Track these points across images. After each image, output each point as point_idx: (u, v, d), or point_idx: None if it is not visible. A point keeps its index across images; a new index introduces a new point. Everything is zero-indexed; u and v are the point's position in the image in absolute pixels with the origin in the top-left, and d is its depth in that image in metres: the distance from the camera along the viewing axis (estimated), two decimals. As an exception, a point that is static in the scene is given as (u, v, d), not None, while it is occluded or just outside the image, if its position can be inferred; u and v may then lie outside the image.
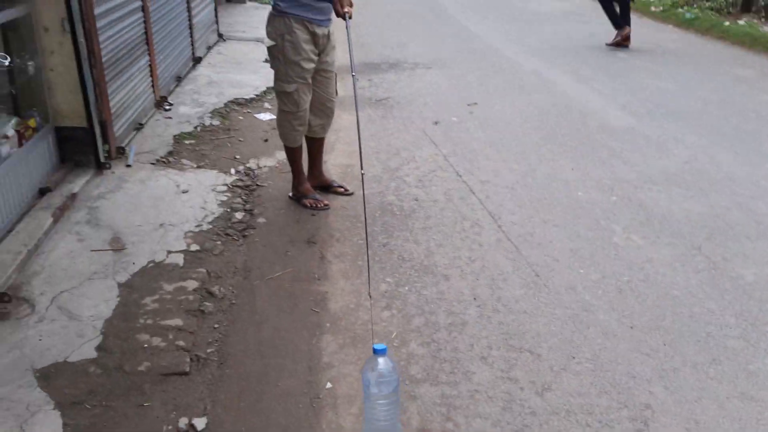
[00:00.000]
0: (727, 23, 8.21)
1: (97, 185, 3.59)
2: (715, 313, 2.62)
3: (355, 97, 2.72)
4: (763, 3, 8.57)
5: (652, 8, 9.53)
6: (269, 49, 3.20)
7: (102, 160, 3.72)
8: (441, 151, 4.29)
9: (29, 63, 3.38)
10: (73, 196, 3.39)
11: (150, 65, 4.68)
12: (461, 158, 4.17)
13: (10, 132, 3.13)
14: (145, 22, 4.55)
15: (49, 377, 2.21)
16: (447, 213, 3.44)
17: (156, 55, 4.80)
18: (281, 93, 3.26)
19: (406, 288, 2.79)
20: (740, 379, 2.26)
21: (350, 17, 3.01)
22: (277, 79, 3.24)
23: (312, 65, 3.19)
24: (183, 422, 2.07)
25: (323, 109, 3.43)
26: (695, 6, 9.21)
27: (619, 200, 3.59)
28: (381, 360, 1.88)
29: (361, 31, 8.14)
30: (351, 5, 3.07)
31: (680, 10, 9.11)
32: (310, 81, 3.24)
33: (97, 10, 3.67)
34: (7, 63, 3.18)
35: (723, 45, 7.59)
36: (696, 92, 5.65)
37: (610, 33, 7.48)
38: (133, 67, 4.33)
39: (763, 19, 8.39)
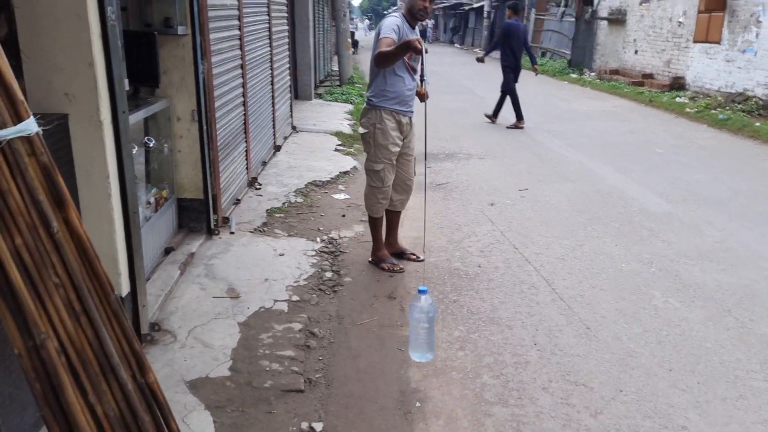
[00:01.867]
0: (758, 124, 8.82)
1: (209, 247, 4.27)
2: (742, 361, 3.07)
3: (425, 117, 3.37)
4: (792, 106, 9.20)
5: (687, 109, 10.24)
6: (363, 135, 3.93)
7: (212, 227, 4.43)
8: (498, 227, 4.89)
9: (165, 145, 4.17)
10: (191, 255, 4.07)
11: (246, 150, 5.49)
12: (516, 234, 4.76)
13: (151, 199, 3.86)
14: (244, 114, 5.40)
15: (196, 387, 2.79)
16: (507, 277, 4.00)
17: (251, 142, 5.62)
18: (370, 171, 3.95)
19: (476, 335, 3.32)
20: (764, 410, 2.69)
21: (427, 98, 3.70)
22: (367, 159, 3.95)
23: (397, 149, 3.89)
24: (304, 425, 2.60)
25: (403, 186, 4.10)
26: (728, 108, 9.88)
27: (657, 271, 4.10)
28: (423, 297, 2.75)
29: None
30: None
31: (713, 111, 9.78)
32: (394, 162, 3.93)
33: (216, 104, 4.50)
34: (151, 145, 3.97)
35: (753, 143, 8.17)
36: (726, 183, 6.19)
37: (648, 131, 8.14)
38: (235, 152, 5.13)
39: (792, 120, 8.97)
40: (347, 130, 8.74)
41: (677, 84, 12.09)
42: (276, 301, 3.61)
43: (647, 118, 9.96)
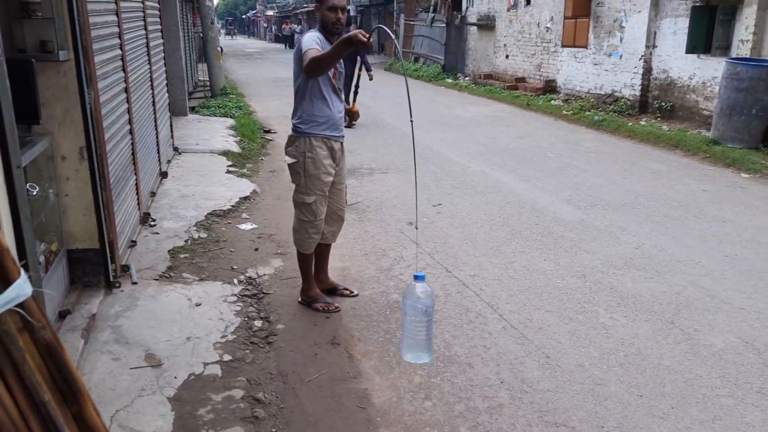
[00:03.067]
0: (630, 123, 9.37)
1: (112, 304, 3.69)
2: (703, 377, 3.06)
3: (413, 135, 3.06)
4: (657, 105, 9.87)
5: (564, 111, 10.71)
6: (290, 165, 3.55)
7: (111, 279, 3.84)
8: (424, 249, 4.69)
9: (50, 191, 3.54)
10: (93, 317, 3.48)
11: (136, 184, 4.87)
12: (445, 255, 4.58)
13: (41, 258, 3.23)
14: (132, 143, 4.78)
15: (136, 493, 2.30)
16: (450, 306, 3.79)
17: (140, 173, 5.01)
18: (300, 204, 3.57)
19: (438, 378, 3.07)
20: (742, 430, 2.67)
21: (358, 117, 3.53)
22: (297, 191, 3.57)
23: (330, 178, 3.56)
24: None
25: (335, 217, 3.77)
26: (600, 109, 10.45)
27: (592, 285, 4.08)
28: (418, 286, 2.43)
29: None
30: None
31: (588, 113, 10.30)
32: (327, 193, 3.59)
33: (106, 136, 3.91)
34: (34, 192, 3.33)
35: (632, 143, 8.65)
36: (623, 185, 6.44)
37: (534, 135, 8.36)
38: (126, 187, 4.52)
39: (659, 119, 9.64)
40: (235, 148, 8.19)
41: (549, 87, 12.66)
42: (206, 364, 3.15)
43: (529, 122, 10.28)
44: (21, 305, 0.84)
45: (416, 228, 3.03)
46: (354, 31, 2.99)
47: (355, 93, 3.57)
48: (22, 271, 0.88)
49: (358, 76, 3.55)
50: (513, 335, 3.47)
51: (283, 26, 42.11)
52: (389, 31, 3.04)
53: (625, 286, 4.07)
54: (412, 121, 2.88)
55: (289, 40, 39.75)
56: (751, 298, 3.88)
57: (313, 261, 3.84)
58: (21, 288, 0.84)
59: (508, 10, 14.62)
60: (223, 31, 51.54)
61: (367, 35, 2.95)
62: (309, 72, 3.22)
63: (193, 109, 11.41)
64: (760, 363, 3.18)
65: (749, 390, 2.96)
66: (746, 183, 6.63)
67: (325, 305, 3.76)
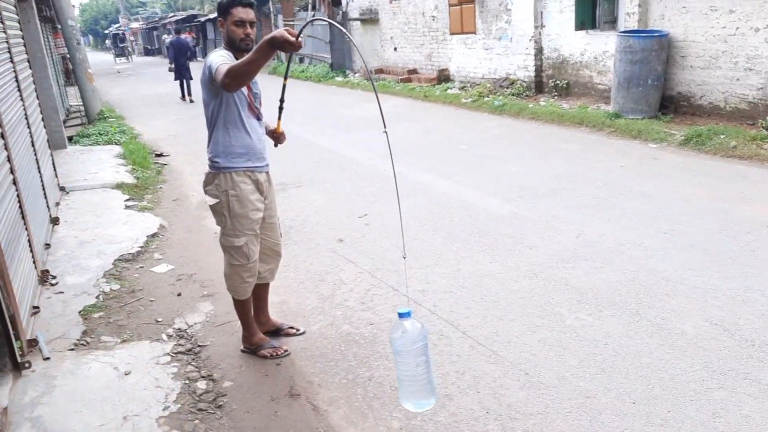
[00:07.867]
0: (531, 105, 9.49)
1: (24, 390, 3.11)
2: (687, 370, 2.97)
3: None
4: (552, 84, 10.07)
5: (463, 99, 10.70)
6: (212, 206, 3.12)
7: (19, 359, 3.25)
8: (363, 268, 4.39)
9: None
10: (4, 411, 2.90)
11: (29, 239, 4.23)
12: (386, 272, 4.30)
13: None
14: (18, 194, 4.14)
15: None
16: (410, 331, 3.51)
17: (31, 226, 4.36)
18: (230, 248, 3.16)
19: (419, 419, 2.78)
20: (744, 425, 2.58)
21: (284, 139, 3.36)
22: (224, 234, 3.15)
23: (260, 214, 3.16)
24: None
25: (271, 254, 3.38)
26: (498, 93, 10.53)
27: (546, 283, 3.95)
28: (407, 324, 2.17)
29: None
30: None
31: (487, 98, 10.34)
32: (258, 231, 3.19)
33: (-15, 196, 3.31)
34: None
35: (537, 124, 8.74)
36: (543, 171, 6.43)
37: (441, 127, 8.25)
38: (19, 246, 3.89)
39: (557, 97, 9.82)
40: (129, 178, 7.49)
41: (443, 76, 12.66)
42: (153, 447, 2.70)
43: (432, 114, 10.19)
44: None
45: (404, 257, 2.64)
46: (280, 30, 2.59)
47: (280, 109, 3.17)
48: None
49: (283, 86, 3.14)
50: (483, 354, 3.24)
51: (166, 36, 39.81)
52: (338, 26, 2.67)
53: (579, 280, 3.97)
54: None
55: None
56: (702, 276, 3.88)
57: (252, 304, 3.44)
58: None
59: (391, 2, 14.49)
60: (113, 52, 45.80)
61: (296, 34, 2.55)
62: (229, 84, 2.72)
63: (71, 140, 10.41)
64: (736, 345, 3.14)
65: (736, 378, 2.89)
66: (657, 153, 6.82)
67: (272, 350, 3.38)
